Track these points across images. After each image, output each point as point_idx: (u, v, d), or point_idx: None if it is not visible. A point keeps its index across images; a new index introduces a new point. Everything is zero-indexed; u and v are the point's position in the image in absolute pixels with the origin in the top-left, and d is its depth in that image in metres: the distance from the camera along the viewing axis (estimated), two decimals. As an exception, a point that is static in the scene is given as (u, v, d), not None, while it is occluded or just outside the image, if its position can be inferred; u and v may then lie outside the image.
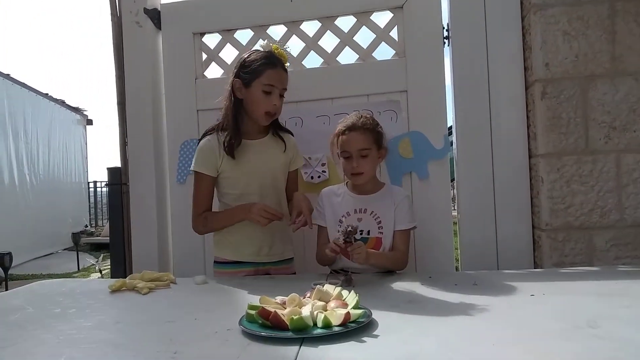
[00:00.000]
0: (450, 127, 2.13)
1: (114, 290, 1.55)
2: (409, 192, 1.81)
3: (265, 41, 1.80)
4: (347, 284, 1.44)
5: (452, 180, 2.18)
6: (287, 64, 1.80)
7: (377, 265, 1.64)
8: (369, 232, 1.69)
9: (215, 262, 1.85)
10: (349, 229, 1.46)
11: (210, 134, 1.81)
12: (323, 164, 2.12)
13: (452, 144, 2.12)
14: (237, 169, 1.76)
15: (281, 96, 1.75)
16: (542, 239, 1.87)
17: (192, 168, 1.81)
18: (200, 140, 1.83)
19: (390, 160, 2.01)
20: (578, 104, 1.83)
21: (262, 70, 1.70)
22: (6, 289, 4.65)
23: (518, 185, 1.98)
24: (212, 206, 1.81)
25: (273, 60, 1.73)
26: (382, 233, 1.65)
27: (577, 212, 1.82)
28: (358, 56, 2.16)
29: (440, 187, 2.05)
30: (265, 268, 1.80)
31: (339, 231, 1.51)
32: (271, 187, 1.81)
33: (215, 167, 1.77)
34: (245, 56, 1.76)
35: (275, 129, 1.84)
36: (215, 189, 1.82)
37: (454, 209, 2.21)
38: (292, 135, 1.90)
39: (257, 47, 1.80)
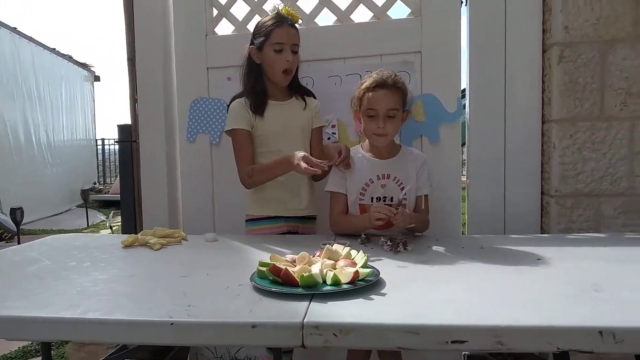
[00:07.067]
0: (464, 90, 2.10)
1: (127, 246, 1.58)
2: (426, 155, 1.81)
3: (273, 5, 1.89)
4: (363, 244, 1.52)
5: (463, 144, 2.16)
6: (300, 21, 1.87)
7: (414, 227, 1.61)
8: (392, 198, 1.67)
9: (248, 220, 1.87)
10: (399, 202, 1.57)
11: (238, 98, 1.86)
12: (333, 126, 2.10)
13: (464, 107, 2.09)
14: (266, 127, 1.82)
15: (294, 52, 1.80)
16: (550, 205, 1.87)
17: (226, 129, 1.85)
18: (229, 105, 1.88)
19: (401, 122, 1.99)
20: (595, 69, 1.79)
21: (270, 31, 1.77)
22: (18, 243, 4.76)
23: (529, 151, 1.96)
24: (254, 159, 1.82)
25: (280, 19, 1.79)
26: (405, 199, 1.63)
27: (587, 178, 1.82)
28: (372, 14, 2.11)
29: (450, 151, 2.03)
30: (295, 225, 1.83)
31: (396, 202, 1.57)
32: (299, 147, 1.77)
33: (249, 122, 1.81)
34: (258, 23, 1.84)
35: (296, 91, 1.90)
36: None
37: (463, 174, 2.21)
38: (315, 97, 1.95)
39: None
